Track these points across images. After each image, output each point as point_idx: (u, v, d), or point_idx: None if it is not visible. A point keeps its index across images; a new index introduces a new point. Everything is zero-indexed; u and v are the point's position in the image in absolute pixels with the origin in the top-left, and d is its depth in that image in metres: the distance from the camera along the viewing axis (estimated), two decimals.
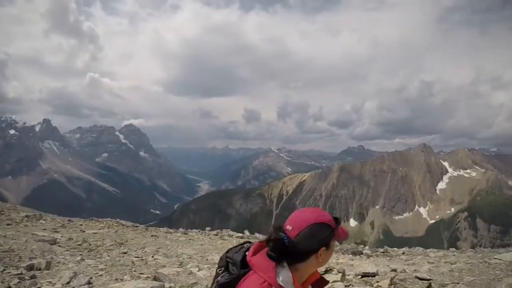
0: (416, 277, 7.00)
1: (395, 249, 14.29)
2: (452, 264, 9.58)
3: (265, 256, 1.93)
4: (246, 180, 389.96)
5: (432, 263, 10.04)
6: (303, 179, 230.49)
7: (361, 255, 12.67)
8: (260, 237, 16.44)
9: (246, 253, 1.99)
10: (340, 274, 7.03)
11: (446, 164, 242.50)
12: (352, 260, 11.44)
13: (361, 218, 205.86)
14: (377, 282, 6.57)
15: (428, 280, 6.71)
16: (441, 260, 10.85)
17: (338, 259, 11.78)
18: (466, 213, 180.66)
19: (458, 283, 6.40)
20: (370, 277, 7.20)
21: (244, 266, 1.93)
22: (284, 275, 1.89)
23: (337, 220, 1.96)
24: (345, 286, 6.51)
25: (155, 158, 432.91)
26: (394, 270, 7.68)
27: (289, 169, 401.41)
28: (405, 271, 7.98)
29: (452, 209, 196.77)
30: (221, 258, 2.09)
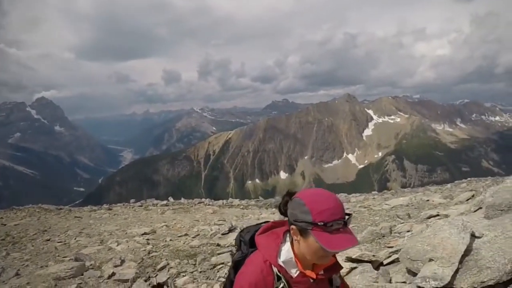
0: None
1: None
2: (364, 207, 11.14)
3: (272, 235, 1.89)
4: (170, 144, 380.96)
5: (348, 208, 11.18)
6: (229, 137, 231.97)
7: None
8: (185, 202, 16.70)
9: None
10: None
11: (370, 112, 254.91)
12: (273, 213, 12.66)
13: (291, 169, 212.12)
14: None
15: None
16: (357, 204, 12.43)
17: (261, 214, 12.98)
18: (393, 156, 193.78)
19: None
20: None
21: (253, 245, 1.93)
22: (286, 255, 1.81)
23: (333, 222, 1.63)
24: None
25: (72, 131, 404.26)
26: None
27: (214, 128, 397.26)
28: None
29: (380, 153, 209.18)
30: (236, 237, 2.10)
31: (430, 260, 3.42)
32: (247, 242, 1.97)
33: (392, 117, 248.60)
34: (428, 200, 10.32)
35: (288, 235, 1.86)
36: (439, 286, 3.11)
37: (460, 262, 3.21)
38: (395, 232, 6.36)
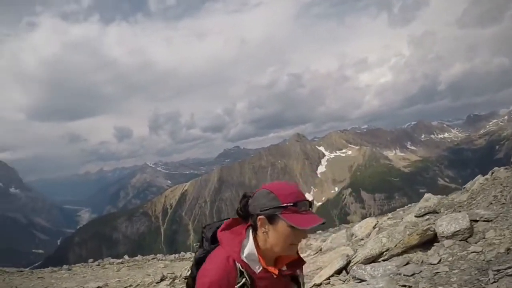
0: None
1: None
2: None
3: (235, 231, 1.82)
4: (127, 200, 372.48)
5: None
6: (185, 189, 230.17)
7: None
8: (140, 259, 17.95)
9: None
10: None
11: (321, 148, 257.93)
12: None
13: None
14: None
15: None
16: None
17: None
18: (349, 189, 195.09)
19: None
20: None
21: (215, 241, 1.85)
22: (248, 250, 1.75)
23: (301, 203, 1.69)
24: None
25: (27, 193, 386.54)
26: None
27: (169, 181, 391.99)
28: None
29: (336, 188, 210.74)
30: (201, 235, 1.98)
31: None
32: (209, 238, 1.89)
33: (343, 150, 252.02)
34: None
35: (250, 231, 1.81)
36: None
37: None
38: None
